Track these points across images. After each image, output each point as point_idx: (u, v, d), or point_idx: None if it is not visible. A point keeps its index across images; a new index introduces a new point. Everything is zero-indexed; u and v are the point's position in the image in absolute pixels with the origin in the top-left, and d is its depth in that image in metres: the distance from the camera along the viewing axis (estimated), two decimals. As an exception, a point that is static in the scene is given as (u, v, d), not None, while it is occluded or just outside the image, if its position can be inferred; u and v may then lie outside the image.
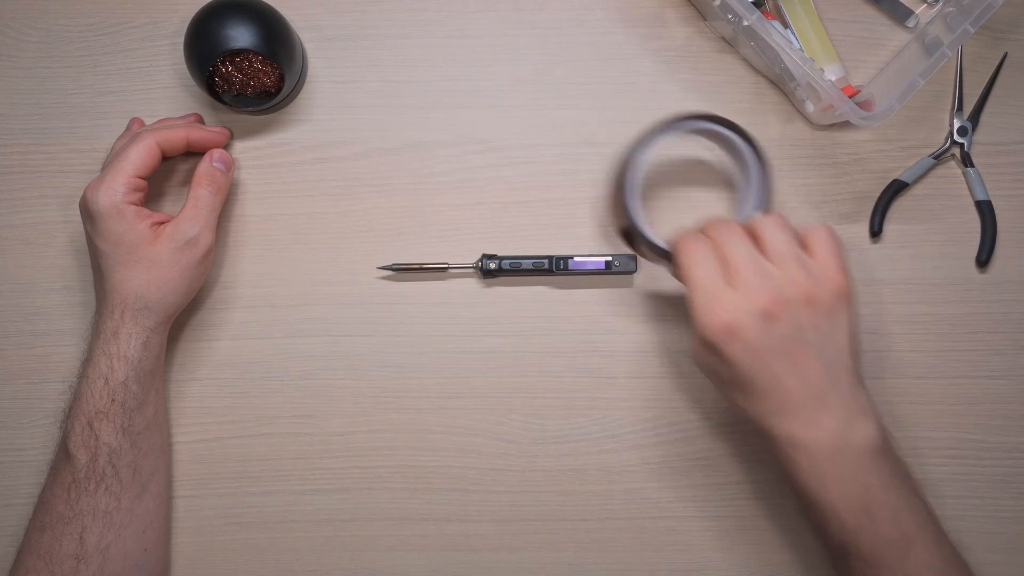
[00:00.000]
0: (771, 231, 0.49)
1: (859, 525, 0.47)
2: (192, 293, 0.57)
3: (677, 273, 0.50)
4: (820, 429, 0.47)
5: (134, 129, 0.59)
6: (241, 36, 0.55)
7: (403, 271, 0.61)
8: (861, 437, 0.47)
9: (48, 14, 0.63)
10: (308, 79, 0.63)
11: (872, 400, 0.48)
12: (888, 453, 0.48)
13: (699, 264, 0.48)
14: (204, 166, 0.57)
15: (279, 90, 0.58)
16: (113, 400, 0.53)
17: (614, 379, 0.61)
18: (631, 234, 0.54)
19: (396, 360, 0.62)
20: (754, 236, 0.49)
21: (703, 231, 0.51)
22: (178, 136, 0.56)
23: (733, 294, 0.47)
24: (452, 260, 0.61)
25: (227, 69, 0.56)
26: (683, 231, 0.51)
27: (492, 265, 0.60)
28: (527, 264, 0.60)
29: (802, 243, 0.49)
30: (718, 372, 0.49)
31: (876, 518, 0.47)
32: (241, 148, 0.63)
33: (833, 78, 0.60)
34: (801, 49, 0.59)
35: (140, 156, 0.54)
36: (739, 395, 0.49)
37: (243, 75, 0.57)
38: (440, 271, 0.61)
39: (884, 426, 0.48)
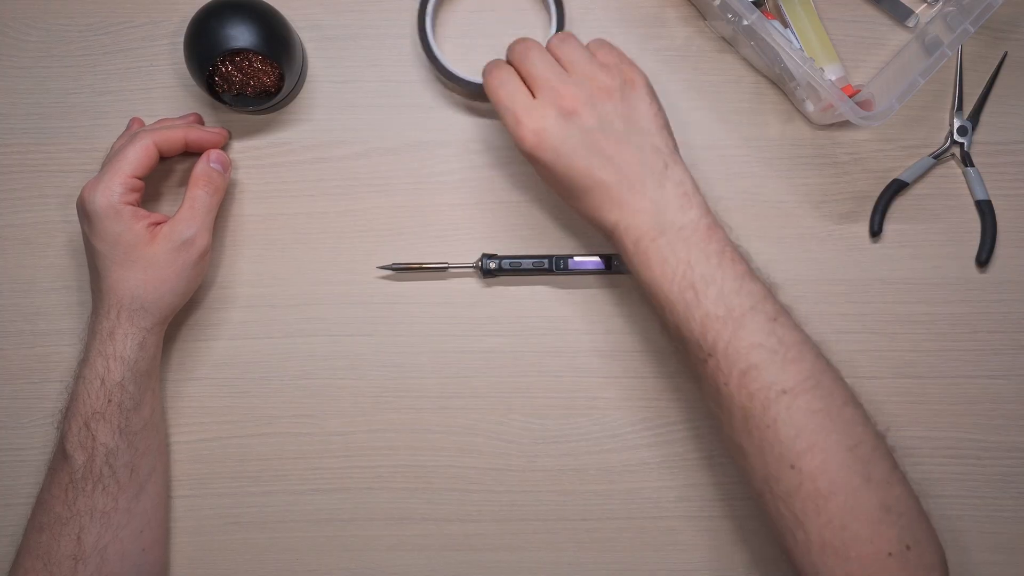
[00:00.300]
0: (562, 45, 0.52)
1: (686, 304, 0.47)
2: (189, 294, 0.57)
3: (486, 90, 0.52)
4: (638, 212, 0.49)
5: (134, 129, 0.59)
6: (241, 36, 0.55)
7: (403, 271, 0.61)
8: (681, 216, 0.49)
9: (48, 14, 0.63)
10: (308, 79, 0.63)
11: (693, 181, 0.50)
12: (714, 232, 0.49)
13: (504, 85, 0.51)
14: (201, 166, 0.57)
15: (279, 90, 0.58)
16: (110, 401, 0.53)
17: (614, 379, 0.61)
18: (444, 77, 0.58)
19: (396, 360, 0.62)
20: (551, 54, 0.52)
21: (507, 56, 0.53)
22: (176, 136, 0.56)
23: (536, 103, 0.49)
24: (452, 260, 0.61)
25: (227, 69, 0.56)
26: (489, 61, 0.53)
27: (492, 265, 0.60)
28: (527, 264, 0.60)
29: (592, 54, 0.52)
30: (547, 181, 0.52)
31: (701, 294, 0.47)
32: (241, 148, 0.63)
33: (833, 77, 0.60)
34: (801, 49, 0.59)
35: (137, 156, 0.54)
36: (571, 200, 0.52)
37: (243, 75, 0.57)
38: (440, 271, 0.61)
39: (710, 210, 0.50)
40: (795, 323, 0.49)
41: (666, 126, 0.51)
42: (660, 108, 0.51)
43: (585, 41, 0.53)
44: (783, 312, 0.48)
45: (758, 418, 0.46)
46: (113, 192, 0.53)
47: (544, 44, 0.52)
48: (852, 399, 0.47)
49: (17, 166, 0.63)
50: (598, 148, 0.49)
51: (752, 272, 0.49)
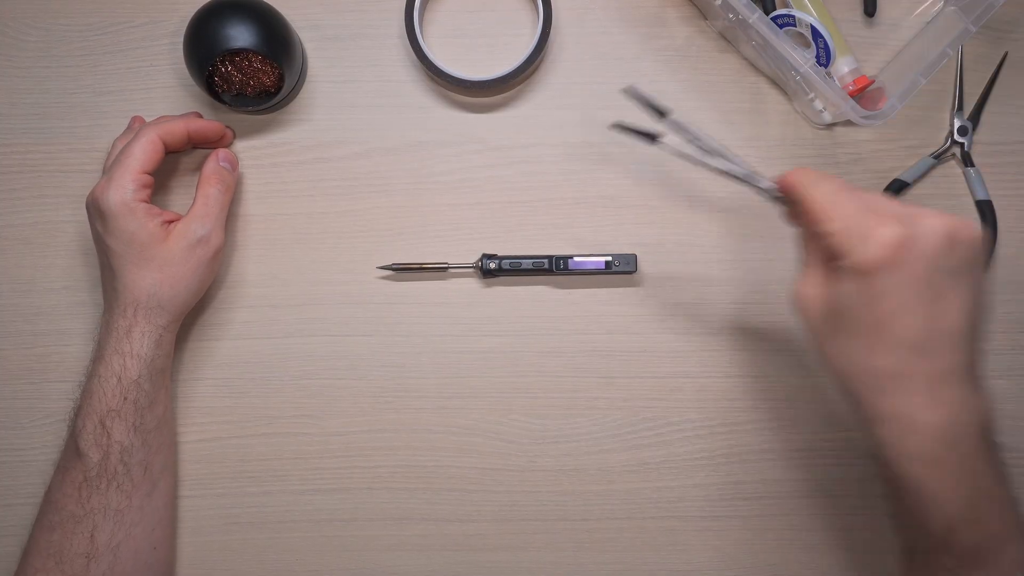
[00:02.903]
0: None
1: (964, 519, 0.41)
2: (202, 291, 0.58)
3: (792, 212, 0.45)
4: (941, 406, 0.40)
5: (135, 127, 0.60)
6: (241, 36, 0.55)
7: (403, 271, 0.61)
8: (976, 416, 0.41)
9: (48, 14, 0.63)
10: (308, 79, 0.63)
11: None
12: (992, 433, 0.42)
13: (843, 192, 0.41)
14: (211, 165, 0.58)
15: (279, 90, 0.58)
16: (125, 398, 0.53)
17: (614, 379, 0.61)
18: (433, 73, 0.58)
19: (396, 360, 0.62)
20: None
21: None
22: (179, 128, 0.56)
23: (903, 217, 0.39)
24: (452, 260, 0.61)
25: (227, 69, 0.56)
26: (801, 169, 0.45)
27: (492, 265, 0.60)
28: (527, 264, 0.60)
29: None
30: (844, 313, 0.41)
31: (982, 511, 0.41)
32: (241, 148, 0.63)
33: (846, 69, 0.60)
34: (826, 43, 0.59)
35: (145, 151, 0.54)
36: (855, 347, 0.41)
37: (243, 75, 0.57)
38: (440, 271, 0.61)
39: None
40: None
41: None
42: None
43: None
44: None
45: None
46: (126, 190, 0.53)
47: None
48: None
49: (17, 166, 0.63)
50: (944, 299, 0.40)
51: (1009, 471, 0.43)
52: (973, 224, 0.40)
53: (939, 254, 0.39)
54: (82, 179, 0.62)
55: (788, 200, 0.46)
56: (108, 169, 0.55)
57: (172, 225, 0.55)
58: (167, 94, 0.63)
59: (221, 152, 0.59)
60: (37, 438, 0.61)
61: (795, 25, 0.58)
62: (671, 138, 0.52)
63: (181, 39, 0.57)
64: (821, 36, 0.57)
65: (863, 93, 0.60)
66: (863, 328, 0.40)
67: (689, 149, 0.51)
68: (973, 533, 0.42)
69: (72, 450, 0.54)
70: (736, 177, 0.50)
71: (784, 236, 0.62)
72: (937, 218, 0.39)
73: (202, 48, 0.56)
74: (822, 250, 0.43)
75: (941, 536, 0.42)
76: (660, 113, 0.52)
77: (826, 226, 0.41)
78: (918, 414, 0.40)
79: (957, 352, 0.40)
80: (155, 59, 0.63)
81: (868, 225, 0.39)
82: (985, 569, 0.42)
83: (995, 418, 0.42)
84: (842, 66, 0.60)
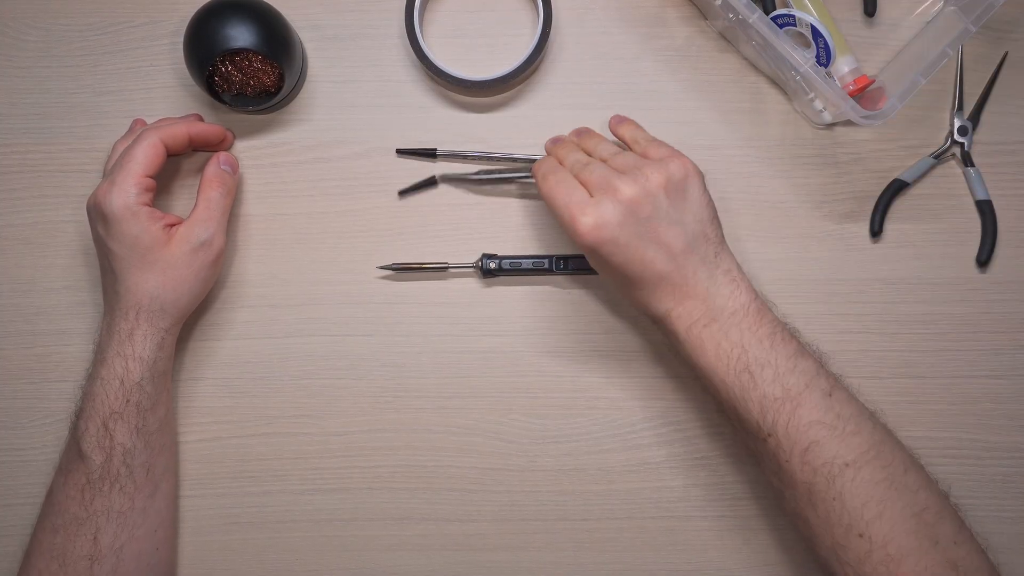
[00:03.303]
0: (604, 146, 0.54)
1: (743, 387, 0.49)
2: (204, 294, 0.58)
3: (540, 193, 0.53)
4: (691, 299, 0.50)
5: (136, 130, 0.59)
6: (241, 36, 0.55)
7: (403, 271, 0.61)
8: (732, 301, 0.50)
9: (48, 14, 0.63)
10: (308, 79, 0.63)
11: (739, 267, 0.52)
12: (764, 315, 0.50)
13: (560, 184, 0.51)
14: (212, 168, 0.58)
15: (279, 90, 0.58)
16: (128, 401, 0.53)
17: (614, 379, 0.61)
18: (434, 73, 0.59)
19: (396, 360, 0.62)
20: (588, 152, 0.54)
21: (551, 152, 0.56)
22: (180, 132, 0.56)
23: (593, 200, 0.50)
24: (452, 260, 0.61)
25: (227, 69, 0.56)
26: (539, 161, 0.55)
27: (492, 265, 0.60)
28: (527, 264, 0.60)
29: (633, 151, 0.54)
30: (603, 271, 0.53)
31: (757, 376, 0.48)
32: (241, 148, 0.63)
33: (846, 69, 0.60)
34: (826, 43, 0.59)
35: (147, 155, 0.54)
36: (625, 289, 0.53)
37: (243, 75, 0.57)
38: (440, 271, 0.61)
39: (758, 292, 0.51)
40: (850, 394, 0.50)
41: (716, 216, 0.52)
42: (710, 199, 0.52)
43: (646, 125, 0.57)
44: (837, 385, 0.50)
45: (823, 492, 0.47)
46: (129, 194, 0.53)
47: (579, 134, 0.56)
48: (913, 463, 0.49)
49: (17, 166, 0.63)
50: (654, 238, 0.50)
51: (803, 348, 0.50)
52: (679, 163, 0.51)
53: (624, 226, 0.49)
54: (82, 179, 0.62)
55: None
56: (110, 172, 0.55)
57: (174, 229, 0.55)
58: (167, 94, 0.63)
59: (222, 155, 0.59)
60: (37, 438, 0.61)
61: (795, 25, 0.58)
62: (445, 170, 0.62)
63: (181, 39, 0.57)
64: (821, 36, 0.57)
65: (863, 93, 0.60)
66: (618, 281, 0.52)
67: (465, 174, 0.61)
68: (756, 400, 0.48)
69: (74, 452, 0.54)
70: (505, 179, 0.61)
71: (784, 236, 0.62)
72: (640, 181, 0.50)
73: (202, 48, 0.56)
74: None
75: (736, 414, 0.50)
76: (431, 154, 0.61)
77: (554, 215, 0.51)
78: (674, 309, 0.51)
79: (683, 260, 0.50)
80: (155, 59, 0.63)
81: (571, 216, 0.49)
82: (783, 433, 0.48)
83: (760, 301, 0.51)
84: (842, 66, 0.60)
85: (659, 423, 0.61)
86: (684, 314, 0.51)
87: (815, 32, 0.57)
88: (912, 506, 0.46)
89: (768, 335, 0.49)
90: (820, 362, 0.50)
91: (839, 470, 0.46)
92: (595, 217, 0.49)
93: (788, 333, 0.50)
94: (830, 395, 0.48)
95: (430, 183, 0.61)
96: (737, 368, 0.49)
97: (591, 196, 0.50)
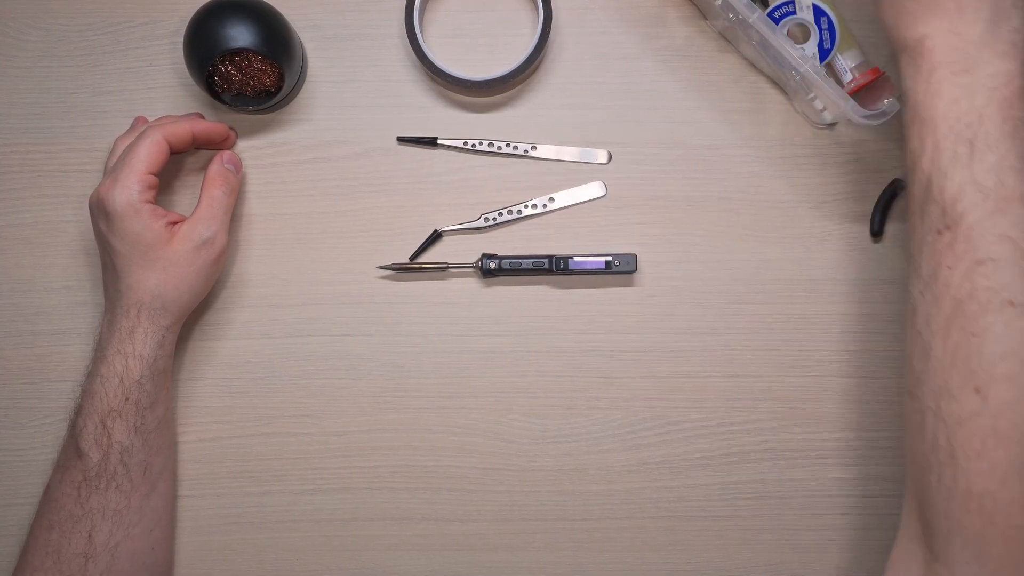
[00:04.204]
0: None
1: (954, 159, 0.41)
2: (205, 293, 0.58)
3: None
4: (957, 34, 0.42)
5: (138, 127, 0.59)
6: (240, 35, 0.55)
7: (403, 271, 0.61)
8: (999, 62, 0.42)
9: (48, 14, 0.63)
10: (308, 79, 0.63)
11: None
12: (1020, 106, 0.41)
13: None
14: (215, 167, 0.58)
15: (279, 89, 0.58)
16: (127, 399, 0.53)
17: (614, 379, 0.61)
18: (434, 73, 0.59)
19: (396, 360, 0.62)
20: None
21: None
22: (184, 130, 0.56)
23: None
24: (452, 260, 0.61)
25: (226, 68, 0.56)
26: None
27: (492, 265, 0.60)
28: (527, 264, 0.60)
29: None
30: None
31: (977, 155, 0.41)
32: (241, 148, 0.63)
33: (852, 64, 0.59)
34: (829, 41, 0.58)
35: (150, 152, 0.54)
36: None
37: (243, 74, 0.57)
38: (440, 271, 0.61)
39: None
40: None
41: None
42: None
43: None
44: None
45: (969, 319, 0.40)
46: (132, 191, 0.53)
47: None
48: None
49: (17, 166, 0.63)
50: None
51: None
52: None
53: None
54: (82, 179, 0.62)
55: None
56: (112, 169, 0.55)
57: (177, 227, 0.55)
58: (167, 94, 0.63)
59: (225, 154, 0.59)
60: (37, 438, 0.61)
61: (795, 13, 0.58)
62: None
63: (181, 39, 0.57)
64: (824, 14, 0.56)
65: (872, 84, 0.59)
66: None
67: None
68: (958, 178, 0.41)
69: (72, 449, 0.54)
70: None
71: (784, 236, 0.62)
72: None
73: (202, 48, 0.56)
74: None
75: (927, 176, 0.42)
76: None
77: None
78: (932, 38, 0.42)
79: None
80: (155, 59, 0.63)
81: None
82: (966, 234, 0.40)
83: (1021, 79, 0.42)
84: (848, 61, 0.59)
85: (659, 423, 0.61)
86: (940, 48, 0.42)
87: (817, 12, 0.57)
88: None
89: (1016, 120, 0.41)
90: None
91: (1000, 304, 0.39)
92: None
93: None
94: None
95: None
96: (960, 135, 0.41)
97: None
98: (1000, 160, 0.40)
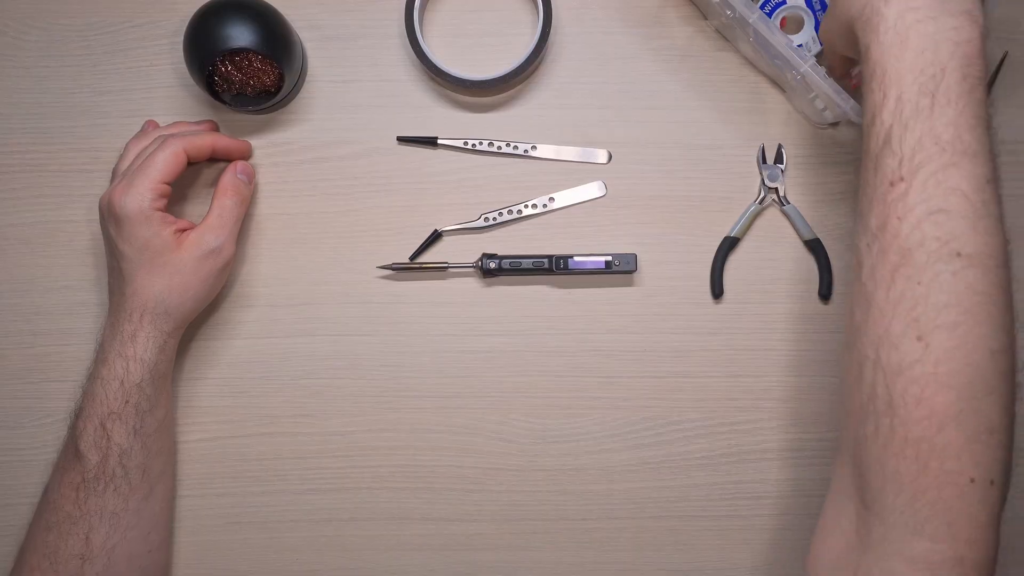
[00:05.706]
0: None
1: (916, 110, 0.41)
2: (209, 300, 0.58)
3: None
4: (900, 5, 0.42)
5: (148, 131, 0.59)
6: (240, 35, 0.55)
7: (403, 271, 0.61)
8: (963, 19, 0.42)
9: (48, 14, 0.63)
10: (308, 79, 0.63)
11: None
12: (983, 57, 0.42)
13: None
14: (229, 177, 0.58)
15: (279, 89, 0.58)
16: (127, 402, 0.53)
17: (614, 379, 0.61)
18: (434, 72, 0.59)
19: (396, 360, 0.62)
20: None
21: None
22: (205, 143, 0.57)
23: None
24: (452, 260, 0.61)
25: (226, 68, 0.56)
26: None
27: (492, 264, 0.60)
28: (527, 264, 0.60)
29: None
30: None
31: (937, 107, 0.41)
32: (241, 148, 0.63)
33: None
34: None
35: (168, 163, 0.54)
36: None
37: (243, 74, 0.57)
38: (440, 270, 0.61)
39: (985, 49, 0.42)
40: (1002, 211, 0.42)
41: None
42: None
43: None
44: (998, 185, 0.42)
45: (916, 269, 0.40)
46: (144, 198, 0.53)
47: None
48: (1012, 310, 0.41)
49: (17, 166, 0.63)
50: None
51: (992, 127, 0.43)
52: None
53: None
54: (82, 179, 0.62)
55: None
56: (126, 174, 0.55)
57: (185, 234, 0.55)
58: (167, 94, 0.63)
59: (239, 164, 0.59)
60: (37, 438, 0.61)
61: (786, 3, 0.58)
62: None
63: (181, 39, 0.57)
64: None
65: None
66: None
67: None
68: (919, 129, 0.41)
69: (71, 451, 0.54)
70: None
71: (784, 236, 0.62)
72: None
73: (202, 48, 0.56)
74: None
75: (887, 129, 0.42)
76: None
77: None
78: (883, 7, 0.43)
79: None
80: (155, 59, 0.63)
81: None
82: (922, 180, 0.41)
83: (985, 56, 0.42)
84: None
85: (659, 423, 0.61)
86: (904, 8, 0.42)
87: None
88: (993, 341, 0.39)
89: (976, 79, 0.42)
90: (995, 157, 0.43)
91: (948, 255, 0.40)
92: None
93: (987, 102, 0.43)
94: (990, 182, 0.41)
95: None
96: (924, 87, 0.41)
97: None
98: (958, 115, 0.41)
